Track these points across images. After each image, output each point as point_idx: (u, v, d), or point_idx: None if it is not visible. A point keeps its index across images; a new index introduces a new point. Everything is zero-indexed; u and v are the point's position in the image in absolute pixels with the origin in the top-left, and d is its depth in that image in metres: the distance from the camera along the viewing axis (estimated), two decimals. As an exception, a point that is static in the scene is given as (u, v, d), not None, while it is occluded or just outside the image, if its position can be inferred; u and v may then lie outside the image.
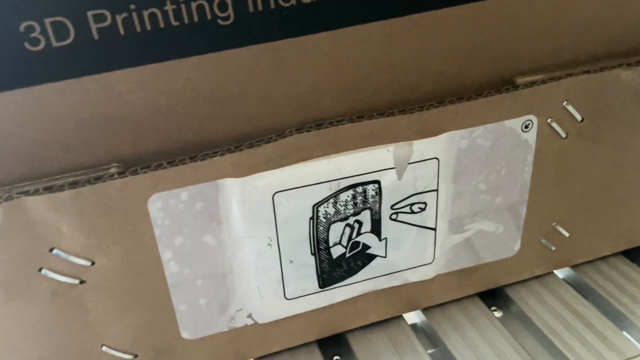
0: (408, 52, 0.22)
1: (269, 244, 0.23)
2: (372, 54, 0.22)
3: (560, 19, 0.24)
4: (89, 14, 0.18)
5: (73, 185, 0.20)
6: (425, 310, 0.28)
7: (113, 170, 0.20)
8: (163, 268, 0.22)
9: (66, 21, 0.18)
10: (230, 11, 0.20)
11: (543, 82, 0.23)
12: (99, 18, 0.18)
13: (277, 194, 0.22)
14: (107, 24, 0.19)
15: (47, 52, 0.18)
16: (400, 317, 0.28)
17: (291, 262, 0.23)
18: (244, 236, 0.22)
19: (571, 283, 0.30)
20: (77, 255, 0.21)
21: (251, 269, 0.23)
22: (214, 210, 0.21)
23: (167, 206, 0.21)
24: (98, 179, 0.20)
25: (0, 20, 0.18)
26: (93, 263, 0.21)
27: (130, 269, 0.21)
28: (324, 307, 0.25)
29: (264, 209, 0.22)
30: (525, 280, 0.29)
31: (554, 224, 0.27)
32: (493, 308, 0.28)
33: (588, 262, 0.30)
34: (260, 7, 0.20)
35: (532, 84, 0.23)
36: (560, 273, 0.30)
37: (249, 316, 0.24)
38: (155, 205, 0.20)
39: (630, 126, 0.26)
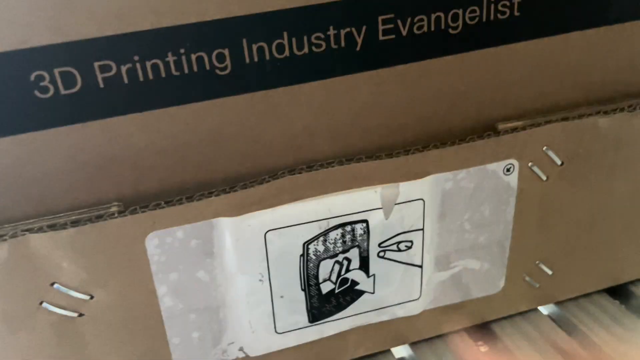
0: (395, 99, 0.24)
1: (260, 280, 0.23)
2: (361, 100, 0.23)
3: (541, 67, 0.25)
4: (96, 64, 0.20)
5: (75, 223, 0.21)
6: (413, 344, 0.29)
7: (114, 209, 0.21)
8: (158, 302, 0.23)
9: (74, 71, 0.19)
10: (228, 62, 0.21)
11: (524, 128, 0.24)
12: (104, 68, 0.20)
13: (269, 232, 0.23)
14: (112, 74, 0.20)
15: (55, 99, 0.20)
16: (388, 351, 0.28)
17: (282, 297, 0.24)
18: (236, 272, 0.23)
19: (555, 319, 0.30)
20: (76, 290, 0.21)
21: (243, 303, 0.24)
22: (208, 248, 0.22)
23: (164, 244, 0.22)
24: (99, 218, 0.21)
25: (13, 69, 0.19)
26: (92, 297, 0.22)
27: (127, 303, 0.22)
28: (314, 341, 0.26)
29: (256, 246, 0.23)
30: (510, 316, 0.30)
31: (537, 262, 0.28)
32: (479, 343, 0.29)
33: (572, 299, 0.31)
34: (255, 59, 0.21)
35: (514, 129, 0.24)
36: (544, 309, 0.31)
37: (241, 349, 0.25)
38: (153, 242, 0.21)
39: (610, 170, 0.27)
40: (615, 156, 0.26)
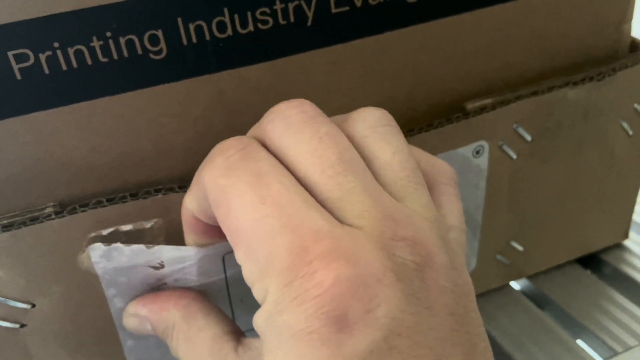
0: (353, 78, 0.22)
1: (218, 291, 0.22)
2: (316, 82, 0.22)
3: (505, 36, 0.24)
4: (10, 54, 0.17)
5: (7, 227, 0.19)
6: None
7: (49, 209, 0.20)
8: (108, 305, 0.21)
9: (-16, 62, 0.17)
10: (163, 45, 0.19)
11: (493, 107, 0.23)
12: (20, 57, 0.18)
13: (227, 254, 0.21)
14: (29, 64, 0.18)
15: (-35, 96, 0.17)
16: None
17: (242, 300, 0.23)
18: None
19: (528, 294, 0.30)
20: (15, 299, 0.20)
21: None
22: (159, 264, 0.21)
23: (110, 256, 0.20)
24: (34, 220, 0.19)
25: None
26: (33, 305, 0.20)
27: (73, 309, 0.21)
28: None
29: (215, 266, 0.21)
30: (482, 294, 0.29)
31: (509, 240, 0.28)
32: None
33: (543, 272, 0.30)
34: (194, 39, 0.19)
35: (483, 109, 0.23)
36: (516, 284, 0.31)
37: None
38: (97, 252, 0.20)
39: (579, 140, 0.26)
40: (583, 127, 0.26)
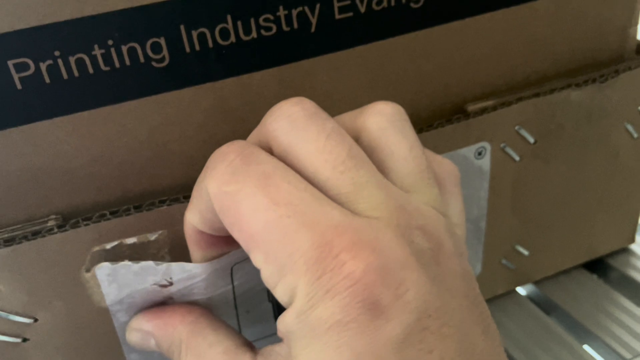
0: (357, 84, 0.22)
1: (225, 302, 0.22)
2: (320, 88, 0.21)
3: (508, 40, 0.24)
4: (10, 63, 0.17)
5: (9, 242, 0.19)
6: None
7: (51, 223, 0.19)
8: (111, 319, 0.21)
9: (-16, 72, 0.17)
10: (165, 52, 0.19)
11: (494, 108, 0.23)
12: (20, 67, 0.17)
13: (235, 265, 0.21)
14: (30, 73, 0.17)
15: (-35, 107, 0.17)
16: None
17: (248, 312, 0.22)
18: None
19: (534, 299, 0.30)
20: (17, 314, 0.20)
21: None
22: (167, 281, 0.20)
23: (116, 274, 0.19)
24: (36, 234, 0.19)
25: None
26: (36, 320, 0.20)
27: (75, 323, 0.20)
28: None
29: (222, 277, 0.21)
30: (489, 300, 0.29)
31: (514, 244, 0.27)
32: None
33: (549, 277, 0.30)
34: (197, 47, 0.19)
35: (483, 110, 0.23)
36: (522, 290, 0.30)
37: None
38: (103, 271, 0.19)
39: (583, 143, 0.26)
40: (587, 129, 0.26)
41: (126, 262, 0.19)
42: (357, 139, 0.16)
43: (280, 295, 0.14)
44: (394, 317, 0.13)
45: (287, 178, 0.14)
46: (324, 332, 0.13)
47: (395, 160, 0.16)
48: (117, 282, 0.19)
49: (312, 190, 0.14)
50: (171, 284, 0.19)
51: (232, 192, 0.14)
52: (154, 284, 0.19)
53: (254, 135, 0.17)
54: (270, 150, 0.16)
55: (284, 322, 0.14)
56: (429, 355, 0.13)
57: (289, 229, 0.14)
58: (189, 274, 0.19)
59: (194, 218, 0.17)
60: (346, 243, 0.13)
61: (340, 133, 0.15)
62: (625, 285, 0.30)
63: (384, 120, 0.16)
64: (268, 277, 0.14)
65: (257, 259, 0.14)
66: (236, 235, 0.15)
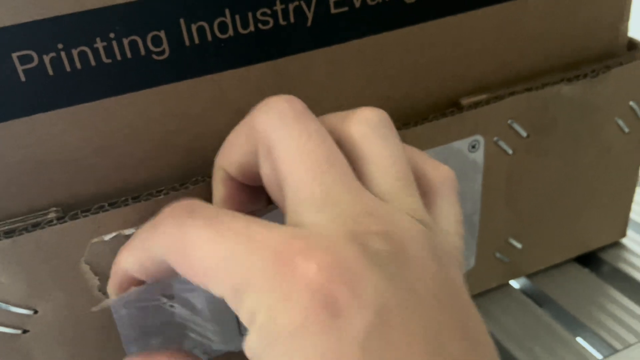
0: (353, 78, 0.22)
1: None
2: (316, 81, 0.22)
3: (502, 35, 0.24)
4: (14, 55, 0.17)
5: (9, 234, 0.19)
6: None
7: (51, 215, 0.20)
8: (110, 310, 0.21)
9: (-12, 64, 0.17)
10: (165, 45, 0.19)
11: (487, 102, 0.23)
12: (24, 59, 0.18)
13: None
14: (33, 65, 0.18)
15: (-31, 98, 0.17)
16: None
17: None
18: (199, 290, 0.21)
19: (527, 292, 0.30)
20: (18, 305, 0.20)
21: (205, 313, 0.22)
22: (168, 292, 0.20)
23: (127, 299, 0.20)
24: (36, 226, 0.19)
25: None
26: (36, 311, 0.20)
27: (75, 315, 0.21)
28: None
29: None
30: (482, 293, 0.29)
31: (507, 237, 0.28)
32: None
33: (542, 271, 0.31)
34: (196, 40, 0.19)
35: (477, 104, 0.23)
36: (516, 283, 0.31)
37: (204, 352, 0.24)
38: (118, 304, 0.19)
39: (575, 137, 0.26)
40: (579, 123, 0.26)
41: (132, 289, 0.19)
42: (340, 143, 0.16)
43: (245, 319, 0.14)
44: (353, 316, 0.13)
45: (232, 214, 0.15)
46: (286, 339, 0.13)
47: (374, 168, 0.16)
48: (127, 303, 0.19)
49: (259, 221, 0.15)
50: (173, 297, 0.19)
51: (181, 236, 0.15)
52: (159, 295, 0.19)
53: (242, 124, 0.17)
54: (255, 145, 0.16)
55: (248, 345, 0.14)
56: (395, 352, 0.13)
57: (240, 254, 0.14)
58: (189, 287, 0.19)
59: (133, 266, 0.17)
60: (297, 249, 0.13)
61: (322, 135, 0.15)
62: (617, 278, 0.30)
63: (366, 128, 0.16)
64: (232, 305, 0.14)
65: (216, 292, 0.14)
66: (190, 276, 0.15)
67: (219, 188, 0.19)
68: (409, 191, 0.16)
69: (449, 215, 0.17)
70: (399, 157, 0.16)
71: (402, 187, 0.16)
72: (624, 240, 0.32)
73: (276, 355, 0.13)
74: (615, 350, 0.27)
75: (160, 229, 0.16)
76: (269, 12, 0.20)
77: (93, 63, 0.18)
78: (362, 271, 0.13)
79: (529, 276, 0.31)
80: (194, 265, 0.15)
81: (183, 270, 0.15)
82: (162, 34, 0.19)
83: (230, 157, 0.18)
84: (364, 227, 0.14)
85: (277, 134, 0.15)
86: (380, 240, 0.14)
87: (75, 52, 0.18)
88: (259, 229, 0.14)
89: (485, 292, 0.29)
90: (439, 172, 0.18)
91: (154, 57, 0.19)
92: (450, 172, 0.18)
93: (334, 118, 0.17)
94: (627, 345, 0.27)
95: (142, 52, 0.19)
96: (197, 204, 0.16)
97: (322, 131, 0.16)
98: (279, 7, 0.20)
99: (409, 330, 0.13)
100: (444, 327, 0.14)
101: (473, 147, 0.24)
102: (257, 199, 0.19)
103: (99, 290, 0.21)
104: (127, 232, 0.20)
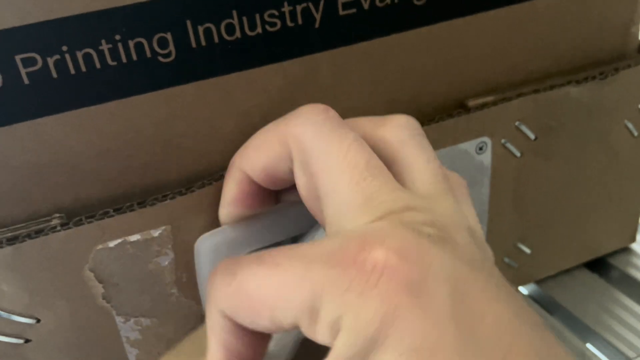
0: (359, 79, 0.22)
1: None
2: (323, 83, 0.22)
3: (510, 37, 0.24)
4: (18, 58, 0.17)
5: (12, 241, 0.18)
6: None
7: (55, 221, 0.19)
8: (114, 319, 0.21)
9: (-8, 66, 0.17)
10: (172, 47, 0.19)
11: (494, 103, 0.23)
12: (28, 62, 0.17)
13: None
14: (37, 68, 0.18)
15: (-28, 101, 0.17)
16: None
17: None
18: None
19: (536, 298, 0.30)
20: (20, 314, 0.19)
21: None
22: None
23: None
24: (39, 232, 0.19)
25: None
26: (38, 320, 0.20)
27: (78, 323, 0.20)
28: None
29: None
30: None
31: (516, 241, 0.27)
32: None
33: (551, 277, 0.30)
34: (203, 42, 0.19)
35: (484, 105, 0.23)
36: (524, 289, 0.30)
37: None
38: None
39: (584, 140, 0.26)
40: (588, 126, 0.26)
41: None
42: (376, 149, 0.17)
43: (327, 334, 0.14)
44: (433, 291, 0.13)
45: (270, 251, 0.15)
46: (380, 331, 0.13)
47: (413, 171, 0.16)
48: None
49: (299, 244, 0.15)
50: None
51: (235, 285, 0.15)
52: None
53: (272, 129, 0.17)
54: (288, 150, 0.17)
55: (341, 358, 0.13)
56: (482, 319, 0.13)
57: (301, 272, 0.14)
58: None
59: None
60: (356, 248, 0.14)
61: (361, 144, 0.16)
62: (627, 284, 0.30)
63: (404, 133, 0.17)
64: (307, 327, 0.14)
65: (287, 319, 0.14)
66: (256, 318, 0.15)
67: (231, 188, 0.19)
68: (446, 191, 0.16)
69: (470, 214, 0.18)
70: (435, 161, 0.17)
71: (440, 189, 0.16)
72: (634, 246, 0.32)
73: (380, 352, 0.13)
74: (627, 358, 0.26)
75: (212, 292, 0.16)
76: (276, 13, 0.20)
77: (98, 65, 0.18)
78: (426, 249, 0.14)
79: (538, 282, 0.30)
80: (257, 304, 0.15)
81: (248, 315, 0.15)
82: (168, 35, 0.19)
83: (255, 160, 0.18)
84: (409, 218, 0.15)
85: (316, 145, 0.16)
86: (432, 228, 0.15)
87: (80, 55, 0.18)
88: (306, 249, 0.14)
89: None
90: (453, 179, 0.18)
91: (160, 59, 0.19)
92: (462, 179, 0.19)
93: (366, 123, 0.17)
94: (640, 353, 0.26)
95: (148, 54, 0.18)
96: (233, 259, 0.16)
97: (359, 139, 0.16)
98: (286, 8, 0.20)
99: (490, 297, 0.13)
100: (513, 297, 0.14)
101: (480, 149, 0.24)
102: (265, 202, 0.19)
103: (103, 299, 0.20)
104: (132, 238, 0.20)
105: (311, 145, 0.16)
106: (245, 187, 0.18)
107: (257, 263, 0.15)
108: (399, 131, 0.17)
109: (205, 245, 0.20)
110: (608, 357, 0.27)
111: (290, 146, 0.16)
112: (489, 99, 0.24)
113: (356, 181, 0.15)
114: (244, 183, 0.18)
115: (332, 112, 0.16)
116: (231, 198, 0.19)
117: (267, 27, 0.20)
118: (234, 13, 0.19)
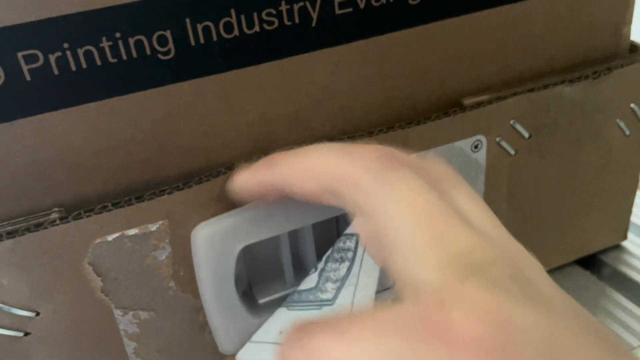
0: (356, 78, 0.22)
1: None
2: (320, 81, 0.22)
3: (504, 37, 0.24)
4: (20, 54, 0.17)
5: (11, 234, 0.19)
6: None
7: (54, 215, 0.19)
8: (113, 313, 0.21)
9: (-6, 63, 0.17)
10: (171, 45, 0.19)
11: (489, 102, 0.24)
12: (30, 58, 0.18)
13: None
14: (39, 64, 0.18)
15: (-26, 97, 0.17)
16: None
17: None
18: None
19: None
20: (19, 307, 0.20)
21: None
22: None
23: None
24: (38, 226, 0.19)
25: None
26: (38, 314, 0.20)
27: (77, 317, 0.20)
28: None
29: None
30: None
31: (509, 239, 0.28)
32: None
33: (544, 273, 0.31)
34: (202, 40, 0.19)
35: (479, 104, 0.23)
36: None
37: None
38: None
39: (577, 139, 0.27)
40: (582, 125, 0.26)
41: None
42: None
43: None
44: (496, 269, 0.14)
45: (340, 319, 0.14)
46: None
47: (465, 211, 0.16)
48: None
49: (368, 310, 0.15)
50: None
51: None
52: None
53: (327, 163, 0.17)
54: (338, 191, 0.16)
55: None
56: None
57: (378, 344, 0.13)
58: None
59: None
60: (435, 315, 0.13)
61: (419, 183, 0.15)
62: (618, 281, 0.30)
63: (447, 169, 0.17)
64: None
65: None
66: None
67: (255, 186, 0.18)
68: (499, 225, 0.17)
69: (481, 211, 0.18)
70: (480, 199, 0.17)
71: (492, 227, 0.16)
72: (625, 243, 0.32)
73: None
74: (618, 353, 0.27)
75: None
76: (274, 12, 0.20)
77: (99, 62, 0.18)
78: (517, 313, 0.13)
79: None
80: None
81: None
82: (167, 33, 0.19)
83: (300, 184, 0.17)
84: (479, 258, 0.14)
85: (376, 194, 0.15)
86: (499, 268, 0.14)
87: (81, 52, 0.18)
88: (377, 313, 0.14)
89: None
90: (436, 170, 0.18)
91: (160, 56, 0.19)
92: (445, 166, 0.18)
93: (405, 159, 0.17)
94: (630, 348, 0.27)
95: (148, 51, 0.19)
96: (301, 327, 0.15)
97: (416, 177, 0.16)
98: (284, 7, 0.20)
99: (535, 276, 0.15)
100: (601, 336, 0.14)
101: (475, 147, 0.24)
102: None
103: (102, 292, 0.20)
104: (130, 232, 0.20)
105: (370, 195, 0.15)
106: (271, 193, 0.18)
107: (330, 336, 0.14)
108: (443, 166, 0.17)
109: (201, 234, 0.20)
110: (599, 353, 0.27)
111: (343, 189, 0.16)
112: (484, 97, 0.24)
113: (421, 225, 0.15)
114: (272, 191, 0.18)
115: (383, 151, 0.16)
116: (248, 193, 0.18)
117: (265, 25, 0.20)
118: (233, 11, 0.19)
